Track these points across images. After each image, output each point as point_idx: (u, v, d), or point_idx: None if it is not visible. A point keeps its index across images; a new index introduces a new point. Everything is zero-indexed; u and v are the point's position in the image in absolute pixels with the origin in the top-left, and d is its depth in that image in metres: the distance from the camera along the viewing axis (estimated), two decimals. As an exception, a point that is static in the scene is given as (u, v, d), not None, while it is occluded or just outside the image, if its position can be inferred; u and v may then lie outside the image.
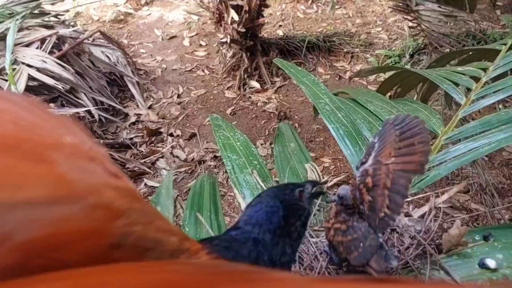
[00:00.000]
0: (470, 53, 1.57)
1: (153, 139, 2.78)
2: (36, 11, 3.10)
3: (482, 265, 0.69)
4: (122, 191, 0.32)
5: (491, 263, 0.68)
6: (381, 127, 0.75)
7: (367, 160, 0.71)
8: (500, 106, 2.62)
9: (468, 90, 1.05)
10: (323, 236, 0.77)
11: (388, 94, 1.73)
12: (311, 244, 0.76)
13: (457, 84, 1.05)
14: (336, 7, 4.02)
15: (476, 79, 1.07)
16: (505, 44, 1.18)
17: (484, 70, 1.10)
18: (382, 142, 0.72)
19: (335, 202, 0.72)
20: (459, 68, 1.13)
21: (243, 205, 0.83)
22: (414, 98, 2.35)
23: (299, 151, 0.99)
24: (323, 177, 0.91)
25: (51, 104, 2.54)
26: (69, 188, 0.27)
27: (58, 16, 3.33)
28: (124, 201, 0.31)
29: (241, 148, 0.94)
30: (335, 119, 0.98)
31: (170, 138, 2.77)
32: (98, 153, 0.35)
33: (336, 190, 0.92)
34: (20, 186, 0.24)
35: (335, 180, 0.91)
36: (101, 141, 2.55)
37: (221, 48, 3.27)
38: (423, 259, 0.73)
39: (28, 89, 2.47)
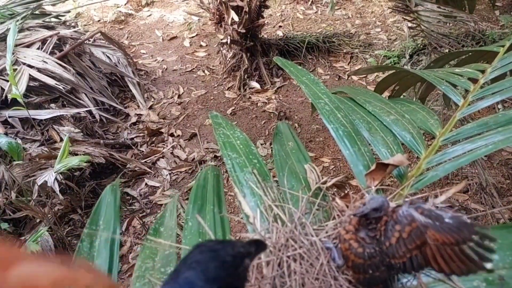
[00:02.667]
0: (469, 54, 1.57)
1: (153, 139, 2.79)
2: (37, 12, 3.12)
3: (479, 266, 0.70)
4: None
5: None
6: (466, 221, 0.64)
7: (422, 213, 0.63)
8: (500, 106, 2.63)
9: (466, 91, 1.05)
10: (324, 236, 0.78)
11: (386, 93, 1.74)
12: (311, 243, 0.76)
13: (455, 86, 1.05)
14: (336, 8, 4.03)
15: (474, 81, 1.07)
16: (503, 46, 1.19)
17: (482, 71, 1.11)
18: (446, 227, 0.62)
19: (366, 214, 0.66)
20: (457, 70, 1.13)
21: (244, 204, 0.84)
22: (412, 97, 2.36)
23: (297, 150, 0.99)
24: (322, 177, 0.92)
25: (52, 105, 2.55)
26: None
27: (59, 17, 3.34)
28: None
29: (241, 146, 0.94)
30: (334, 119, 0.98)
31: (170, 138, 2.78)
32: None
33: (335, 190, 0.93)
34: None
35: (334, 180, 0.91)
36: (102, 141, 2.56)
37: (221, 48, 3.28)
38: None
39: (29, 89, 2.48)
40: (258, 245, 0.52)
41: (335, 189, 0.92)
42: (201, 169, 2.53)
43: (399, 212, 0.65)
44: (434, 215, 0.63)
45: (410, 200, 0.72)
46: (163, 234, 0.80)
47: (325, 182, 0.88)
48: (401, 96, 1.73)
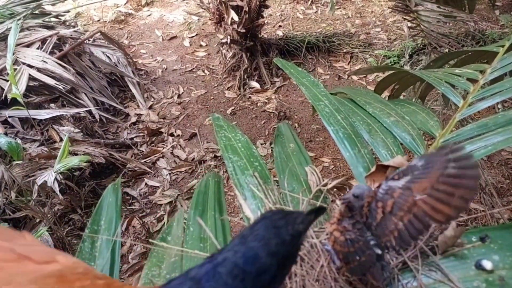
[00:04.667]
0: (468, 54, 1.57)
1: (153, 139, 2.79)
2: (36, 12, 3.11)
3: (479, 266, 0.70)
4: None
5: (487, 264, 0.69)
6: (434, 153, 0.67)
7: (399, 178, 0.65)
8: (500, 106, 2.63)
9: (466, 92, 1.05)
10: (324, 238, 0.78)
11: (386, 92, 1.74)
12: (311, 245, 0.77)
13: (454, 87, 1.05)
14: (336, 7, 4.03)
15: (474, 81, 1.07)
16: (502, 46, 1.19)
17: (482, 72, 1.11)
18: (425, 170, 0.64)
19: (349, 201, 0.67)
20: (457, 70, 1.13)
21: (244, 207, 0.84)
22: (412, 96, 2.36)
23: (298, 152, 0.99)
24: (323, 179, 0.92)
25: (52, 105, 2.55)
26: None
27: (59, 17, 3.34)
28: None
29: (242, 149, 0.95)
30: (334, 121, 0.98)
31: (170, 138, 2.78)
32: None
33: (334, 190, 0.93)
34: None
35: (334, 183, 0.91)
36: (102, 141, 2.56)
37: (221, 48, 3.28)
38: (421, 259, 0.74)
39: (28, 89, 2.48)
40: (318, 212, 0.56)
41: (336, 191, 0.92)
42: (201, 169, 2.54)
43: (379, 191, 0.67)
44: (409, 170, 0.65)
45: (386, 175, 0.73)
46: (170, 243, 0.81)
47: (325, 185, 0.88)
48: (401, 95, 1.73)
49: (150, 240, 0.79)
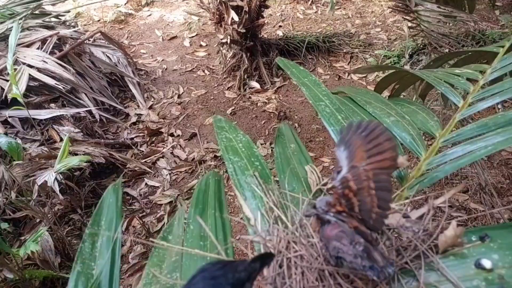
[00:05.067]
0: (468, 54, 1.57)
1: (153, 139, 2.79)
2: (37, 12, 3.12)
3: (478, 266, 0.70)
4: None
5: (486, 263, 0.69)
6: (341, 135, 0.76)
7: (341, 169, 0.71)
8: (500, 106, 2.63)
9: (466, 92, 1.05)
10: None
11: (386, 92, 1.74)
12: (311, 244, 0.77)
13: (454, 87, 1.05)
14: (336, 7, 4.03)
15: (474, 82, 1.07)
16: (502, 47, 1.19)
17: (482, 72, 1.11)
18: (350, 148, 0.73)
19: (313, 214, 0.72)
20: (457, 70, 1.13)
21: (245, 207, 0.84)
22: (412, 95, 2.36)
23: (299, 152, 0.99)
24: (322, 179, 0.92)
25: (52, 105, 2.55)
26: None
27: (59, 17, 3.34)
28: None
29: (243, 149, 0.94)
30: (335, 121, 0.98)
31: (170, 138, 2.79)
32: None
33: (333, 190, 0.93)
34: None
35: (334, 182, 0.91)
36: (102, 141, 2.57)
37: (221, 48, 3.28)
38: (420, 260, 0.74)
39: (29, 89, 2.49)
40: (264, 260, 0.54)
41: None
42: (201, 169, 2.54)
43: (337, 188, 0.70)
44: (339, 159, 0.72)
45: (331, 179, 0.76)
46: (171, 242, 0.81)
47: (325, 184, 0.88)
48: (401, 95, 1.73)
49: (151, 239, 0.79)
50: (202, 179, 0.92)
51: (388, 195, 0.69)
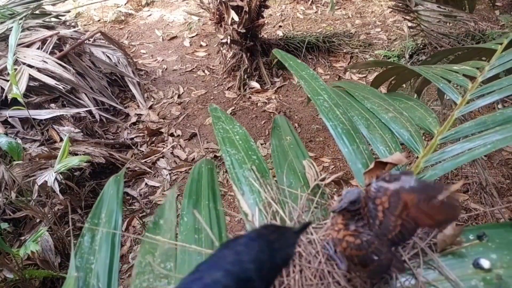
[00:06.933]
0: (466, 50, 1.57)
1: (153, 139, 2.79)
2: (37, 12, 3.12)
3: (476, 265, 0.70)
4: None
5: (485, 263, 0.69)
6: (428, 183, 0.71)
7: (390, 181, 0.68)
8: (500, 107, 2.63)
9: (464, 89, 1.05)
10: (322, 234, 0.78)
11: (383, 88, 1.74)
12: (310, 241, 0.76)
13: (452, 83, 1.05)
14: (336, 8, 4.03)
15: (472, 79, 1.07)
16: (501, 44, 1.19)
17: (480, 69, 1.10)
18: (414, 188, 0.67)
19: (345, 208, 0.68)
20: (455, 67, 1.13)
21: (242, 202, 0.82)
22: (409, 90, 2.36)
23: (295, 145, 0.98)
24: (320, 174, 0.91)
25: (52, 105, 2.55)
26: None
27: (59, 17, 3.34)
28: None
29: (240, 142, 0.93)
30: (333, 116, 0.97)
31: (170, 138, 2.79)
32: None
33: (332, 186, 0.93)
34: None
35: (333, 177, 0.91)
36: (102, 141, 2.57)
37: (221, 48, 3.28)
38: (419, 258, 0.74)
39: (29, 89, 2.49)
40: (304, 227, 0.57)
41: (334, 186, 0.91)
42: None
43: (371, 190, 0.68)
44: (401, 180, 0.68)
45: (376, 174, 0.73)
46: (163, 228, 0.79)
47: (323, 179, 0.88)
48: (398, 90, 1.73)
49: (142, 236, 0.78)
50: (195, 167, 0.90)
51: (409, 238, 0.68)
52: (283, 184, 0.86)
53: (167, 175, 2.51)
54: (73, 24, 3.42)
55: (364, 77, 3.24)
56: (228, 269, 0.44)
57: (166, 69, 3.48)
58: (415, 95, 1.77)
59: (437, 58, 1.66)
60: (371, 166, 0.84)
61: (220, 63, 3.41)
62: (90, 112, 2.65)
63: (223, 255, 0.46)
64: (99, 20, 4.14)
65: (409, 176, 0.68)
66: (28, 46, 2.75)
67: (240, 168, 0.87)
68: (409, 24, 2.96)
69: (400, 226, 0.66)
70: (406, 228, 0.66)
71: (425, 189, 0.67)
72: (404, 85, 2.12)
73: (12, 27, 2.31)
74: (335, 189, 0.94)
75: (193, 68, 3.46)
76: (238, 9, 2.92)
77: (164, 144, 2.75)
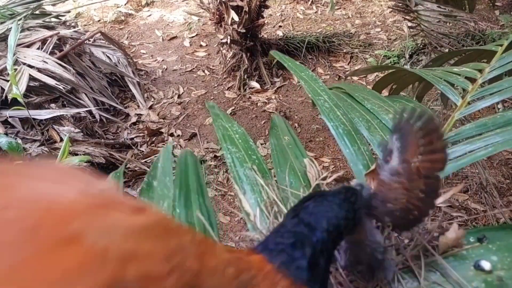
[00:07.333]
0: (467, 53, 1.57)
1: (153, 139, 2.79)
2: (37, 12, 3.12)
3: (477, 267, 0.70)
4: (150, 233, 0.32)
5: (485, 265, 0.69)
6: (396, 124, 0.70)
7: (391, 159, 0.67)
8: (500, 106, 2.64)
9: (465, 91, 1.05)
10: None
11: (385, 92, 1.74)
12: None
13: (453, 85, 1.05)
14: (336, 8, 4.03)
15: (472, 80, 1.07)
16: (501, 45, 1.19)
17: (480, 71, 1.11)
18: (403, 139, 0.67)
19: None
20: (455, 69, 1.13)
21: (244, 201, 0.82)
22: (409, 94, 2.37)
23: (294, 145, 0.98)
24: (322, 173, 0.91)
25: (52, 105, 2.55)
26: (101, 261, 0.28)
27: (59, 17, 3.34)
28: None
29: (240, 141, 0.93)
30: (334, 117, 0.98)
31: (170, 138, 2.79)
32: (112, 197, 0.36)
33: (334, 186, 0.93)
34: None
35: (334, 176, 0.91)
36: (102, 141, 2.57)
37: (221, 48, 3.28)
38: (420, 259, 0.74)
39: (29, 89, 2.49)
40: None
41: (335, 185, 0.91)
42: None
43: (383, 176, 0.67)
44: (391, 149, 0.67)
45: (377, 164, 0.72)
46: (157, 189, 0.78)
47: (325, 178, 0.88)
48: (399, 94, 1.73)
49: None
50: (181, 158, 0.90)
51: (433, 202, 0.66)
52: (283, 184, 0.86)
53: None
54: (73, 24, 3.42)
55: (364, 77, 3.24)
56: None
57: (166, 69, 3.48)
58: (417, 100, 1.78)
59: (440, 62, 1.67)
60: (372, 167, 0.84)
61: (220, 63, 3.41)
62: (90, 112, 2.65)
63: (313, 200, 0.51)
64: (99, 20, 4.14)
65: (391, 138, 0.69)
66: (28, 46, 2.75)
67: (241, 166, 0.87)
68: (409, 24, 2.96)
69: (423, 199, 0.64)
70: (429, 192, 0.65)
71: (407, 140, 0.67)
72: (404, 93, 2.13)
73: (12, 27, 2.32)
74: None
75: (193, 68, 3.46)
76: (238, 9, 2.92)
77: (164, 144, 2.75)
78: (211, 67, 3.46)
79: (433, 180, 0.65)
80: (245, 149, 0.91)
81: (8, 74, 2.23)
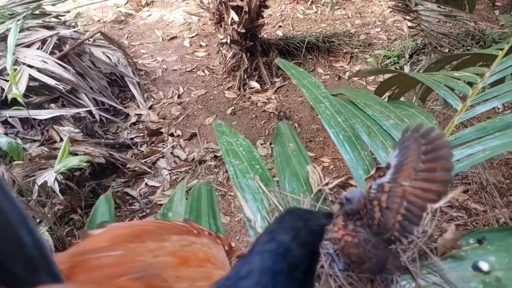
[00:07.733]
0: (468, 56, 1.58)
1: (153, 139, 2.79)
2: (37, 12, 3.11)
3: (476, 268, 0.71)
4: None
5: (484, 265, 0.70)
6: (402, 138, 0.70)
7: (385, 174, 0.68)
8: (500, 106, 2.64)
9: (465, 95, 1.06)
10: (325, 237, 0.78)
11: (387, 93, 1.75)
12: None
13: (453, 90, 1.06)
14: (336, 8, 4.03)
15: (473, 85, 1.08)
16: (501, 49, 1.19)
17: (481, 75, 1.11)
18: (403, 157, 0.68)
19: (341, 205, 0.70)
20: (456, 73, 1.14)
21: (246, 208, 0.84)
22: (412, 96, 2.37)
23: (298, 152, 0.99)
24: (324, 179, 0.92)
25: (52, 105, 2.55)
26: None
27: (59, 17, 3.34)
28: None
29: (244, 153, 0.95)
30: (335, 123, 0.99)
31: (170, 138, 2.79)
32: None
33: (335, 190, 0.94)
34: None
35: (336, 182, 0.92)
36: (102, 141, 2.57)
37: (221, 48, 3.28)
38: (419, 261, 0.75)
39: (29, 89, 2.49)
40: (329, 218, 0.57)
41: (337, 191, 0.92)
42: (201, 169, 2.54)
43: (371, 191, 0.69)
44: (390, 164, 0.68)
45: (373, 176, 0.73)
46: (172, 220, 0.81)
47: (327, 184, 0.89)
48: (402, 97, 1.74)
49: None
50: (194, 190, 0.93)
51: (412, 229, 0.66)
52: (286, 190, 0.87)
53: (167, 175, 2.52)
54: (73, 24, 3.42)
55: (364, 77, 3.24)
56: (262, 250, 0.44)
57: (166, 69, 3.48)
58: (419, 102, 1.79)
59: (440, 65, 1.67)
60: (372, 172, 0.85)
61: (220, 63, 3.41)
62: (90, 112, 2.65)
63: (258, 241, 0.47)
64: (99, 20, 4.14)
65: (392, 151, 0.69)
66: (28, 46, 2.75)
67: (244, 177, 0.89)
68: (409, 24, 2.96)
69: (399, 222, 0.66)
70: (409, 218, 0.65)
71: (408, 151, 0.67)
72: (407, 95, 2.13)
73: (11, 27, 2.32)
74: (339, 193, 0.95)
75: (193, 68, 3.46)
76: (238, 9, 2.92)
77: (164, 144, 2.75)
78: (211, 67, 3.46)
79: (416, 210, 0.65)
80: (249, 161, 0.94)
81: (8, 74, 2.23)
